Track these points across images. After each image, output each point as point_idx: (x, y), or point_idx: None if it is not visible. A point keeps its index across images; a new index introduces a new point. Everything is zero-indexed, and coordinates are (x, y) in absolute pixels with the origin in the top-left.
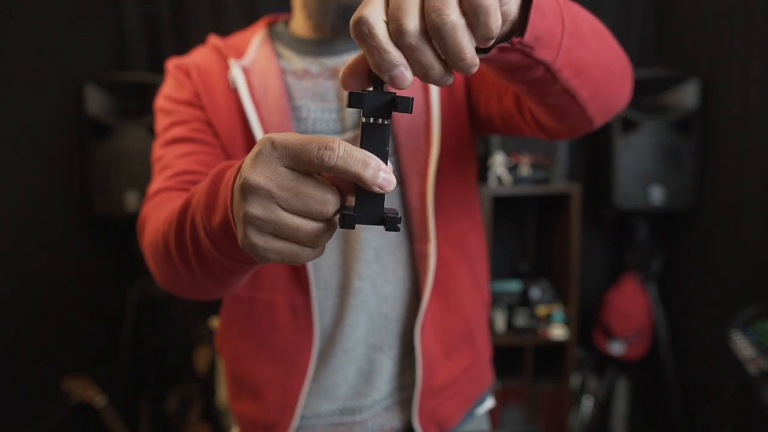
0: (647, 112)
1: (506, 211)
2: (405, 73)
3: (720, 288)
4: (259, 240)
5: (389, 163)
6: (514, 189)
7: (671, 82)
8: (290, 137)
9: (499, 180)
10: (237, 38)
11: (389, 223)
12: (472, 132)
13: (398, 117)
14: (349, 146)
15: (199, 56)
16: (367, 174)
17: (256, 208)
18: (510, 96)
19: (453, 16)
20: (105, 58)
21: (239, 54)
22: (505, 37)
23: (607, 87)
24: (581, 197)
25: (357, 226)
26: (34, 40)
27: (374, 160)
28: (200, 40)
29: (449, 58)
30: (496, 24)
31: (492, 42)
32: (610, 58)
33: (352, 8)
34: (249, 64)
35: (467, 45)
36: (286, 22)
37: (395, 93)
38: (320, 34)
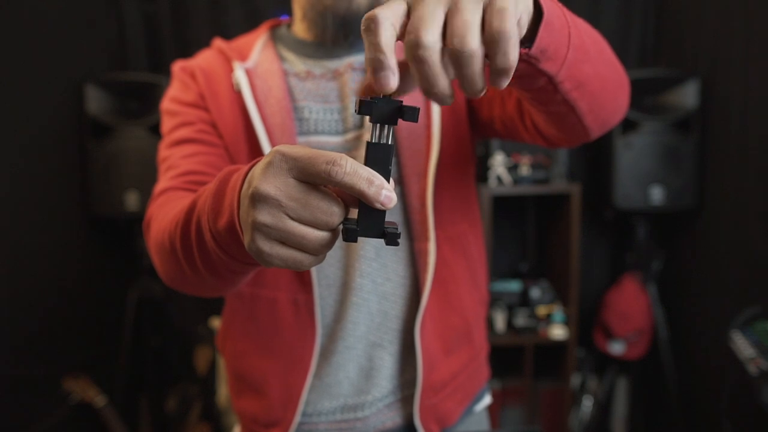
0: (647, 112)
1: (506, 211)
2: (390, 78)
3: (720, 288)
4: (266, 246)
5: (391, 179)
6: (514, 189)
7: (671, 82)
8: (300, 150)
9: (499, 180)
10: (241, 41)
11: (389, 237)
12: (471, 135)
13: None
14: (356, 163)
15: (204, 59)
16: (371, 191)
17: (264, 216)
18: (512, 101)
19: (473, 44)
20: (105, 58)
21: (243, 57)
22: None
23: (605, 100)
24: (581, 197)
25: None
26: (34, 40)
27: (378, 178)
28: (200, 40)
29: (461, 82)
30: (515, 55)
31: (509, 76)
32: (609, 72)
33: (348, 18)
34: (252, 67)
35: (480, 74)
36: (289, 26)
37: (402, 101)
38: (321, 41)
